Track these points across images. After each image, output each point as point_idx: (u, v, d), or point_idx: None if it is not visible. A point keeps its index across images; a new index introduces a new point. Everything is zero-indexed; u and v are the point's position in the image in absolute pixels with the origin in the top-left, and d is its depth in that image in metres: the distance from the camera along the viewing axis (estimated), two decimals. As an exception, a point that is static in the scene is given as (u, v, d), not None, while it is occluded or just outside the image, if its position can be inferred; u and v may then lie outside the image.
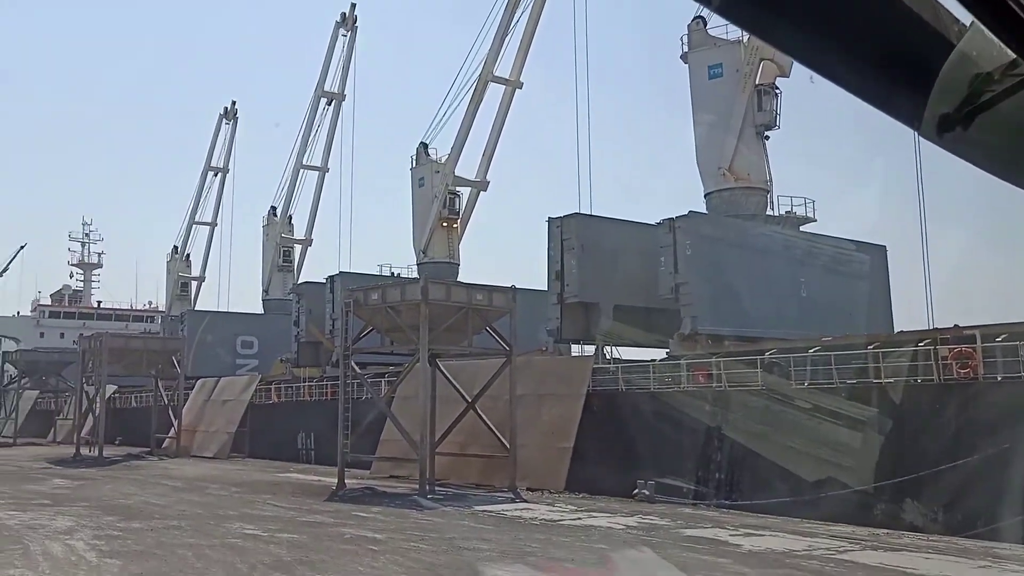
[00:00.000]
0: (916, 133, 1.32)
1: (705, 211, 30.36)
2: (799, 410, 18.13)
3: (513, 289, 21.78)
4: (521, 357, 22.61)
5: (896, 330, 24.79)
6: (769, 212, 31.80)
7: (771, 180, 32.17)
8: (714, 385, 20.38)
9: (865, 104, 1.32)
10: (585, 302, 26.71)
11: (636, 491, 18.74)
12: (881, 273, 30.14)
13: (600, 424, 21.46)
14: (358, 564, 10.99)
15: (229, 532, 13.74)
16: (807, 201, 33.23)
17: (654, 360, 24.06)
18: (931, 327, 20.83)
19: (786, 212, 32.41)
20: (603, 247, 27.12)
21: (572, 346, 29.72)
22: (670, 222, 24.78)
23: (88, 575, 10.22)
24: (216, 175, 70.18)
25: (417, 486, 20.18)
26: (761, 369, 19.66)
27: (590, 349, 27.59)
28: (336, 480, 21.29)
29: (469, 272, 42.58)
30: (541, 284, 28.51)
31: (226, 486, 22.18)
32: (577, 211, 28.67)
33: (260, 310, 59.39)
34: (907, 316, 29.93)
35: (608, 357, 26.14)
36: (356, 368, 23.43)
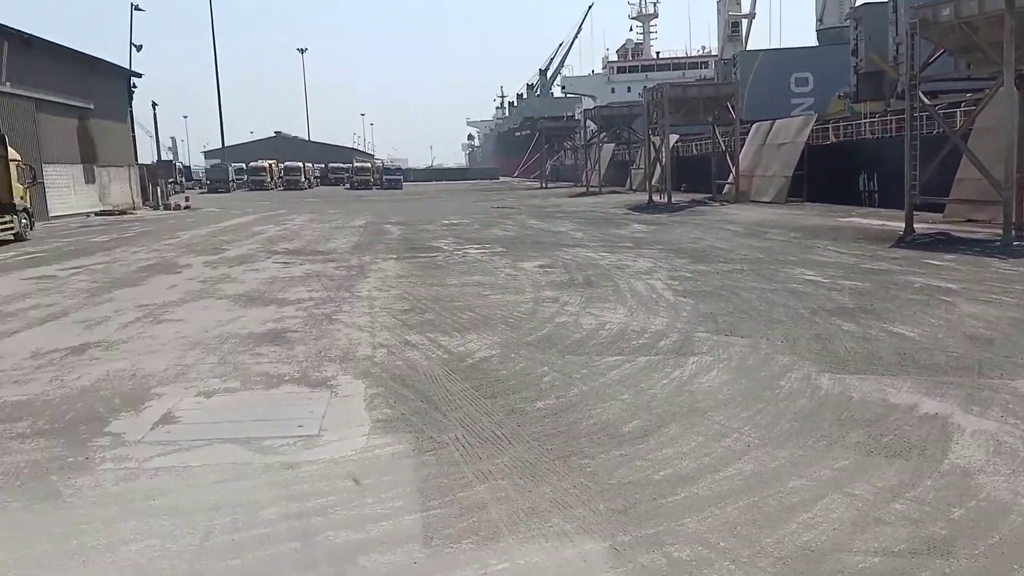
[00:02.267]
0: None
1: None
2: None
3: None
4: None
5: None
6: None
7: None
8: None
9: None
10: None
11: None
12: None
13: None
14: (928, 315, 10.27)
15: (789, 277, 14.03)
16: None
17: None
18: None
19: None
20: None
21: None
22: None
23: (667, 311, 11.39)
24: None
25: (1000, 231, 17.82)
26: None
27: None
28: (903, 225, 19.92)
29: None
30: None
31: (784, 231, 22.55)
32: None
33: (814, 43, 56.56)
34: None
35: None
36: (925, 99, 20.82)
